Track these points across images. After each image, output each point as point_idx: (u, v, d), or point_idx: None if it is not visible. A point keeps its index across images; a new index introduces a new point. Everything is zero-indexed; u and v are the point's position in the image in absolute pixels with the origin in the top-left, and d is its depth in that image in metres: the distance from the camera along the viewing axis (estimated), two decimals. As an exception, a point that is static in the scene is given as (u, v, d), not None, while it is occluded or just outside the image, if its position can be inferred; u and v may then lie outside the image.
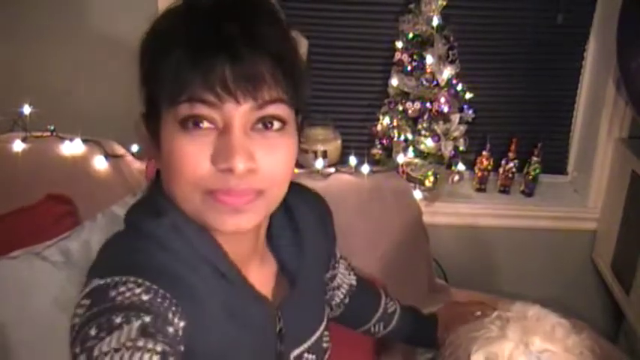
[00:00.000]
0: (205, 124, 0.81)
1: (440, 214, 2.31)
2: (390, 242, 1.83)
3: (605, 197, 2.35)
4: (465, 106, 2.24)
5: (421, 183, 2.24)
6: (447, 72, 2.15)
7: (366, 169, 1.89)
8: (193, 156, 0.81)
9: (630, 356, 1.93)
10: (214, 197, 0.82)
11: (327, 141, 2.21)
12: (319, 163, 1.93)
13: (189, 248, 0.88)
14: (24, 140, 1.84)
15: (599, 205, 2.38)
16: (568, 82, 2.42)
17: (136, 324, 0.74)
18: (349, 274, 1.30)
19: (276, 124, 0.84)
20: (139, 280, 0.80)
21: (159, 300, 0.79)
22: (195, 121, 0.80)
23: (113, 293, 0.77)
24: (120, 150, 1.89)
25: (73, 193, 1.77)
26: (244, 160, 0.80)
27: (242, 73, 0.78)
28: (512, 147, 2.34)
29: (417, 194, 2.18)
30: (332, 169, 1.91)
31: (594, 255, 2.43)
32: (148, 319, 0.75)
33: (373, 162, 2.20)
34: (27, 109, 1.94)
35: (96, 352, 0.70)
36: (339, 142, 2.26)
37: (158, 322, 0.76)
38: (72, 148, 1.85)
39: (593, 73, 2.35)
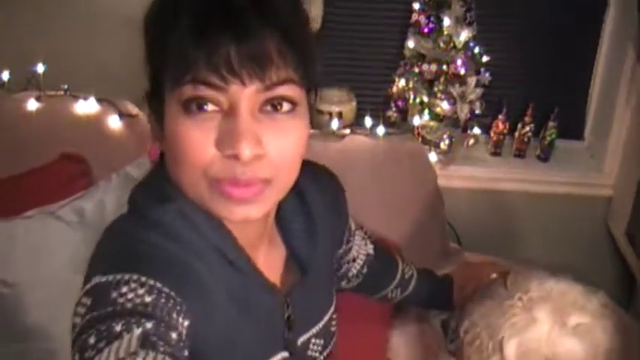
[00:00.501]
0: (210, 107, 0.76)
1: (454, 178, 2.30)
2: (404, 205, 1.82)
3: (621, 163, 2.33)
4: (482, 69, 2.22)
5: (436, 146, 2.23)
6: (464, 34, 2.12)
7: (381, 130, 1.87)
8: (197, 142, 0.76)
9: (643, 322, 1.92)
10: (220, 189, 0.78)
11: (342, 102, 2.19)
12: (334, 124, 1.91)
13: (196, 236, 0.84)
14: (38, 99, 1.83)
15: (615, 171, 2.35)
16: (587, 46, 2.37)
17: (137, 332, 0.70)
18: (366, 244, 1.27)
19: (286, 106, 0.79)
20: (142, 279, 0.76)
21: (162, 301, 0.75)
22: (199, 103, 0.76)
23: (114, 295, 0.74)
24: (134, 110, 1.88)
25: (87, 152, 1.76)
26: (251, 145, 0.75)
27: (248, 53, 0.73)
28: (529, 111, 2.31)
29: (432, 157, 2.17)
30: (347, 131, 1.90)
31: (609, 221, 2.41)
32: (149, 325, 0.72)
33: (388, 124, 2.18)
34: (41, 68, 1.93)
35: None
36: (354, 103, 2.24)
37: (161, 328, 0.73)
38: (86, 107, 1.84)
39: (613, 37, 2.31)
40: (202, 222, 0.84)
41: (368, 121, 1.96)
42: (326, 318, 1.06)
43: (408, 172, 1.83)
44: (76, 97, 1.85)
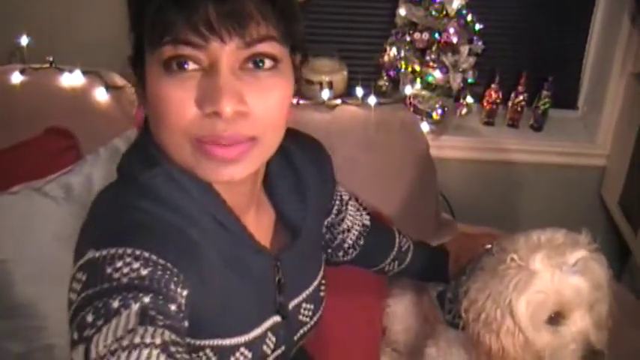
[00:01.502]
0: (190, 66, 0.76)
1: (446, 148, 2.29)
2: (396, 175, 1.81)
3: (615, 133, 2.32)
4: (475, 38, 2.19)
5: (428, 116, 2.21)
6: (457, 2, 2.09)
7: (372, 100, 1.85)
8: (178, 101, 0.76)
9: (635, 294, 1.92)
10: (203, 149, 0.78)
11: (332, 72, 2.17)
12: (325, 94, 1.89)
13: (187, 199, 0.84)
14: (22, 72, 1.80)
15: (608, 141, 2.34)
16: (581, 14, 2.35)
17: (135, 307, 0.70)
18: (361, 215, 1.26)
19: (268, 63, 0.78)
20: (137, 252, 0.75)
21: (159, 273, 0.75)
22: (180, 62, 0.75)
23: (109, 270, 0.73)
24: (121, 81, 1.84)
25: (74, 126, 1.73)
26: (232, 102, 0.75)
27: (227, 10, 0.73)
28: (522, 80, 2.30)
29: (424, 127, 2.16)
30: (338, 101, 1.87)
31: (602, 192, 2.41)
32: (147, 299, 0.71)
33: (379, 94, 2.16)
34: (25, 40, 1.90)
35: (93, 354, 0.66)
36: (344, 73, 2.22)
37: (159, 301, 0.73)
38: (72, 79, 1.80)
39: (608, 5, 2.29)
40: (190, 184, 0.84)
41: (359, 91, 1.93)
42: (315, 283, 1.07)
43: (400, 142, 1.81)
44: (61, 70, 1.82)
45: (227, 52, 0.75)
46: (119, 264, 0.74)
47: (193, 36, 0.74)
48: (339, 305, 1.52)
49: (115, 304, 0.70)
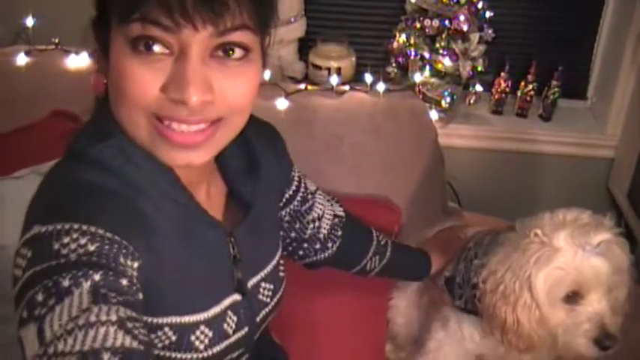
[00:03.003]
0: (158, 48, 0.73)
1: (454, 136, 2.28)
2: (403, 163, 1.79)
3: (624, 125, 2.29)
4: (485, 25, 2.17)
5: (437, 103, 2.19)
6: (468, -12, 2.06)
7: (381, 87, 1.83)
8: (142, 81, 0.74)
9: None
10: (160, 131, 0.77)
11: (341, 58, 2.16)
12: (333, 80, 1.87)
13: (138, 172, 0.82)
14: (27, 54, 1.80)
15: (618, 132, 2.32)
16: (592, 3, 2.33)
17: (86, 286, 0.69)
18: (332, 205, 1.26)
19: (238, 52, 0.77)
20: (84, 227, 0.74)
21: (107, 247, 0.74)
22: (147, 43, 0.73)
23: (56, 246, 0.72)
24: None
25: (80, 109, 1.70)
26: (200, 92, 0.73)
27: None
28: (532, 69, 2.28)
29: (433, 115, 2.14)
30: (346, 87, 1.85)
31: (610, 183, 2.39)
32: (97, 276, 0.70)
33: (388, 80, 2.14)
34: (30, 21, 1.88)
35: (48, 334, 0.65)
36: (353, 59, 2.20)
37: (109, 277, 0.71)
38: (78, 61, 1.79)
39: (620, -6, 2.26)
40: (143, 159, 0.82)
41: (368, 78, 1.91)
42: (273, 262, 1.06)
43: (408, 129, 1.80)
44: (67, 51, 1.80)
45: (198, 39, 0.73)
46: (66, 240, 0.72)
47: (165, 18, 0.71)
48: (346, 303, 1.53)
49: (66, 282, 0.69)
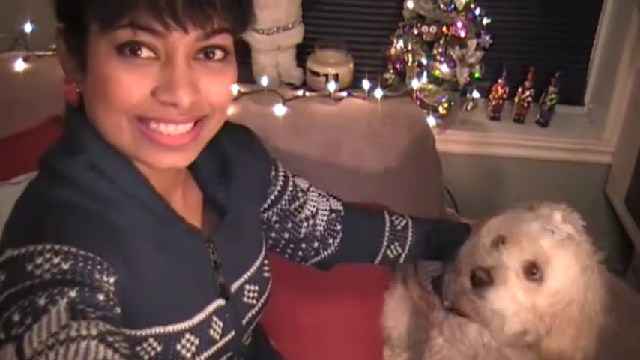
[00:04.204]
0: (144, 53, 0.74)
1: (452, 142, 2.28)
2: (401, 169, 1.80)
3: (621, 131, 2.30)
4: (483, 32, 2.17)
5: (435, 110, 2.19)
6: (465, -5, 2.06)
7: (379, 93, 1.83)
8: (130, 84, 0.75)
9: (638, 291, 1.91)
10: (147, 135, 0.78)
11: (338, 64, 2.16)
12: (331, 87, 1.87)
13: (110, 187, 0.82)
14: (26, 60, 1.80)
15: (615, 138, 2.32)
16: (589, 9, 2.33)
17: (62, 303, 0.69)
18: (327, 200, 1.24)
19: (219, 54, 0.80)
20: (56, 247, 0.74)
21: (81, 264, 0.74)
22: (133, 47, 0.74)
23: (30, 267, 0.72)
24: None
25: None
26: (190, 93, 0.76)
27: (194, 0, 0.73)
28: (529, 76, 2.28)
29: (430, 121, 2.14)
30: (344, 93, 1.86)
31: (607, 189, 2.40)
32: (73, 293, 0.70)
33: (385, 87, 2.14)
34: (29, 27, 1.88)
35: (27, 351, 0.65)
36: (351, 65, 2.20)
37: (85, 293, 0.72)
38: (76, 67, 1.78)
39: (617, 0, 2.26)
40: (116, 172, 0.83)
41: (365, 84, 1.92)
42: (257, 263, 1.06)
43: (406, 135, 1.80)
44: (65, 57, 1.79)
45: (185, 42, 0.75)
46: (39, 260, 0.72)
47: (155, 23, 0.72)
48: (342, 308, 1.52)
49: (42, 301, 0.69)
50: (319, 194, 1.23)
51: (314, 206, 1.21)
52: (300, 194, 1.19)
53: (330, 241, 1.23)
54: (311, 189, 1.22)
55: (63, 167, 0.81)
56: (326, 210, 1.23)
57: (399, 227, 1.29)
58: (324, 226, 1.22)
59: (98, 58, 0.75)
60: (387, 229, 1.28)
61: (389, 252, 1.29)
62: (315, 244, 1.22)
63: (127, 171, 0.83)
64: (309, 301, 1.51)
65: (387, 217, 1.29)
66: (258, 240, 1.10)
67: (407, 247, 1.29)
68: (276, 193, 1.15)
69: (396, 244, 1.29)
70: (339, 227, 1.24)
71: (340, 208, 1.25)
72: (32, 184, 0.85)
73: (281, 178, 1.16)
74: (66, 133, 0.86)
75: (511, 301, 1.12)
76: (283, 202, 1.17)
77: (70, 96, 0.82)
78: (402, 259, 1.31)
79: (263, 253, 1.09)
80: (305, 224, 1.20)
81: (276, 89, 1.85)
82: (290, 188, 1.17)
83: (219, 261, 0.96)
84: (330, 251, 1.24)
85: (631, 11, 2.12)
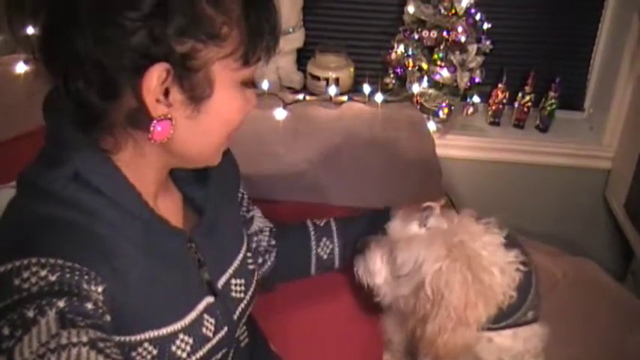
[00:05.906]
0: None
1: (452, 147, 2.28)
2: (402, 174, 1.80)
3: (621, 136, 2.30)
4: (483, 37, 2.17)
5: (435, 114, 2.20)
6: (466, 0, 2.07)
7: (379, 98, 1.83)
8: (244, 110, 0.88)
9: (638, 296, 1.91)
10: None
11: (339, 68, 2.16)
12: (331, 91, 1.87)
13: (94, 197, 0.82)
14: (27, 62, 1.78)
15: (614, 143, 2.32)
16: (590, 15, 2.33)
17: (51, 313, 0.69)
18: (263, 218, 1.30)
19: None
20: (42, 260, 0.74)
21: (68, 275, 0.74)
22: (249, 80, 0.86)
23: (17, 282, 0.72)
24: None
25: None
26: None
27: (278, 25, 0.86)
28: (529, 81, 2.29)
29: (431, 125, 2.14)
30: (344, 98, 1.86)
31: (607, 194, 2.40)
32: (61, 303, 0.71)
33: (386, 91, 2.14)
34: (30, 29, 1.87)
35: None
36: (351, 69, 2.20)
37: (74, 302, 0.72)
38: (76, 70, 1.78)
39: (617, 6, 2.27)
40: (103, 181, 0.83)
41: (366, 88, 1.92)
42: (240, 256, 1.08)
43: (406, 140, 1.80)
44: (66, 60, 1.79)
45: None
46: (26, 274, 0.73)
47: (265, 59, 0.86)
48: (340, 312, 1.52)
49: (31, 313, 0.69)
50: (260, 212, 1.29)
51: (261, 222, 1.27)
52: (251, 207, 1.25)
53: (267, 256, 1.28)
54: (255, 207, 1.28)
55: (44, 182, 0.81)
56: (269, 229, 1.29)
57: (321, 224, 1.36)
58: (267, 242, 1.28)
59: (226, 93, 0.83)
60: (311, 229, 1.35)
61: (320, 251, 1.34)
62: (259, 261, 1.26)
63: (114, 179, 0.84)
64: (307, 304, 1.51)
65: (307, 221, 1.37)
66: (239, 233, 1.12)
67: (335, 240, 1.35)
68: (238, 199, 1.20)
69: (324, 239, 1.34)
70: (273, 242, 1.29)
71: (271, 224, 1.31)
72: (15, 200, 0.86)
73: (242, 185, 1.21)
74: (47, 147, 0.86)
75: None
76: (244, 209, 1.22)
77: (165, 135, 0.81)
78: (336, 260, 1.36)
79: (245, 246, 1.11)
80: (255, 239, 1.25)
81: (277, 93, 1.85)
82: (246, 199, 1.23)
83: (203, 259, 0.98)
84: (267, 266, 1.29)
85: (631, 17, 2.13)
